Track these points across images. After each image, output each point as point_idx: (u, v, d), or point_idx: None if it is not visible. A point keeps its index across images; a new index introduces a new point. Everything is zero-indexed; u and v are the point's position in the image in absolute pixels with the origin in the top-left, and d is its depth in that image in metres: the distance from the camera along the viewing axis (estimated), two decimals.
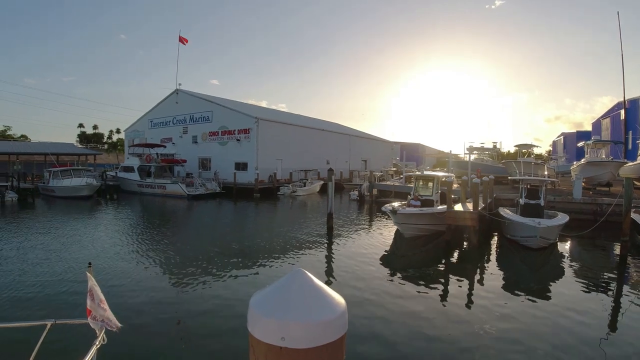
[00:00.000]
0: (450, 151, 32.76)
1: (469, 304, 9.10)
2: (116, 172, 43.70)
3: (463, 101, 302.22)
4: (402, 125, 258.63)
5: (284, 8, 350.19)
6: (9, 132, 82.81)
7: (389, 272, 11.83)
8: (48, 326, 2.86)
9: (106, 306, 2.71)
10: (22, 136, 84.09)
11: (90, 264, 2.85)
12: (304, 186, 39.52)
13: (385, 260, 13.38)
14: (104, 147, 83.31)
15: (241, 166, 42.73)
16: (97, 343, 2.43)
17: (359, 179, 45.14)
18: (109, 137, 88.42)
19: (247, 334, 1.36)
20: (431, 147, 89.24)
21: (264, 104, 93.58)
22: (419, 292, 9.87)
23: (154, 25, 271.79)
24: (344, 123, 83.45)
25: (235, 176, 39.80)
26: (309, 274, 1.40)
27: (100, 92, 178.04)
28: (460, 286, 10.43)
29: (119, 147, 77.24)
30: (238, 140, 43.79)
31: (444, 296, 9.63)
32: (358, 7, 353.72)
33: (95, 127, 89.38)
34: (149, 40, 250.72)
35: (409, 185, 27.67)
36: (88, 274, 2.70)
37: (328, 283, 10.71)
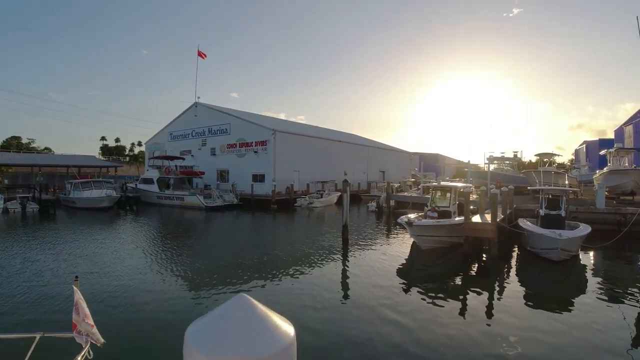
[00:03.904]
0: (469, 161, 32.24)
1: (488, 318, 8.86)
2: (136, 184, 44.47)
3: (483, 110, 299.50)
4: (421, 136, 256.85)
5: (303, 21, 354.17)
6: (32, 145, 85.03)
7: (405, 284, 11.61)
8: (37, 339, 2.89)
9: (91, 321, 2.70)
10: (46, 148, 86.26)
11: (77, 277, 2.87)
12: (321, 197, 39.51)
13: (401, 272, 13.18)
14: (126, 159, 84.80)
15: (258, 178, 42.93)
16: (80, 357, 2.43)
17: (377, 190, 44.88)
18: (131, 150, 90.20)
19: None
20: (450, 157, 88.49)
21: (282, 116, 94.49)
22: (435, 305, 9.66)
23: (174, 41, 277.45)
24: (363, 134, 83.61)
25: (253, 188, 40.05)
26: (253, 300, 1.28)
27: (122, 106, 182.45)
28: (478, 300, 10.20)
29: (140, 160, 78.50)
30: (255, 152, 44.11)
31: (461, 310, 9.41)
32: (377, 18, 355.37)
33: (117, 139, 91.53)
34: (169, 55, 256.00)
35: (426, 196, 27.36)
36: (74, 288, 2.71)
37: (343, 296, 10.61)
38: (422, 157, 68.50)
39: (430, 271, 13.71)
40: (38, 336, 2.90)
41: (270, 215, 32.13)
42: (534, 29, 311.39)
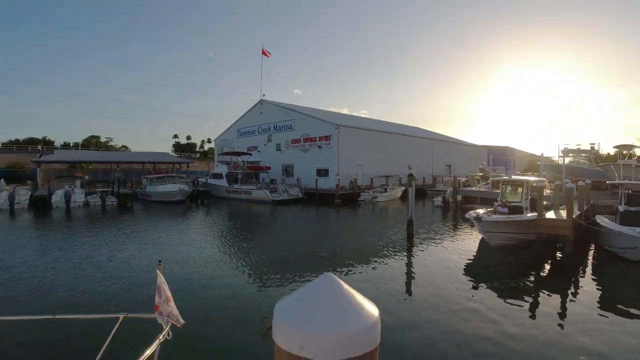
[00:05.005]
0: (542, 154, 30.68)
1: (560, 320, 8.52)
2: (206, 179, 46.68)
3: (554, 99, 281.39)
4: (488, 129, 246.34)
5: (364, 16, 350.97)
6: (111, 143, 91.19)
7: (471, 282, 11.40)
8: (121, 319, 3.13)
9: (172, 303, 2.85)
10: (123, 146, 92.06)
11: (160, 262, 3.05)
12: (385, 192, 39.27)
13: (468, 270, 12.93)
14: (196, 155, 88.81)
15: (322, 172, 43.47)
16: (161, 337, 2.57)
17: (443, 185, 43.83)
18: (201, 147, 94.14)
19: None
20: (521, 149, 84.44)
21: (345, 111, 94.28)
22: (504, 305, 9.41)
23: (239, 41, 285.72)
24: (427, 127, 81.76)
25: (317, 182, 40.66)
26: (339, 279, 1.32)
27: (193, 104, 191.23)
28: (550, 301, 9.82)
29: (209, 156, 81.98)
30: (319, 147, 44.68)
31: (531, 311, 9.13)
32: (439, 8, 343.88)
33: (188, 137, 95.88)
34: (235, 55, 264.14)
35: (495, 190, 26.42)
36: (158, 272, 2.88)
37: (406, 292, 10.65)
38: (490, 150, 65.59)
39: (499, 269, 13.31)
40: (122, 316, 3.14)
41: (335, 210, 32.49)
42: (608, 10, 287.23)
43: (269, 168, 45.30)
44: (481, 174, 44.27)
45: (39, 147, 61.00)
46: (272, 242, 18.74)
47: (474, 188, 34.04)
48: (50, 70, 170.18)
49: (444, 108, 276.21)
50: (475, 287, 10.93)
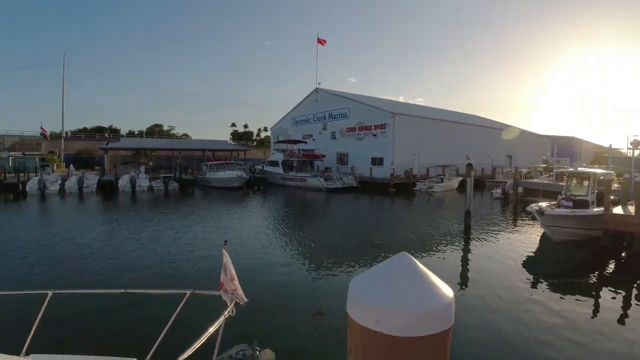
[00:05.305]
0: (611, 145, 28.96)
1: (624, 321, 8.15)
2: (263, 166, 47.90)
3: (626, 87, 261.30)
4: (551, 119, 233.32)
5: (418, 1, 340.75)
6: (172, 131, 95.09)
7: (531, 278, 11.08)
8: (187, 294, 3.33)
9: (237, 282, 2.98)
10: (184, 134, 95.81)
11: (226, 242, 3.23)
12: (442, 182, 38.55)
13: (528, 265, 12.55)
14: (253, 143, 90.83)
15: (377, 161, 43.24)
16: (226, 314, 2.70)
17: (502, 176, 42.33)
18: (257, 135, 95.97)
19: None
20: (588, 140, 79.73)
21: (401, 99, 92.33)
22: (564, 305, 9.02)
23: (294, 31, 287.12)
24: (485, 116, 78.98)
25: (372, 171, 40.52)
26: (414, 259, 1.32)
27: (250, 94, 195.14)
28: (614, 301, 9.39)
29: (265, 144, 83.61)
30: (374, 135, 44.47)
31: (594, 311, 8.72)
32: None
33: (245, 125, 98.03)
34: (291, 44, 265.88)
35: (560, 183, 25.32)
36: (223, 251, 3.03)
37: (462, 285, 10.61)
38: (554, 140, 62.11)
39: (560, 266, 12.88)
40: (189, 292, 3.33)
41: (389, 199, 32.40)
42: None
43: (323, 156, 45.70)
44: (544, 165, 42.29)
45: (106, 135, 64.83)
46: (326, 229, 19.15)
47: (536, 180, 32.70)
48: (118, 62, 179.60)
49: (502, 95, 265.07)
50: (534, 284, 10.61)
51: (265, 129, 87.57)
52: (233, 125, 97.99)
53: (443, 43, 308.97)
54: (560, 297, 9.50)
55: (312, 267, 11.94)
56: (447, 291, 1.24)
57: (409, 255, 1.33)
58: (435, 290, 1.23)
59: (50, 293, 3.35)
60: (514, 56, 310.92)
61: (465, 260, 13.11)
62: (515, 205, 27.33)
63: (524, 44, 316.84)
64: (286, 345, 6.32)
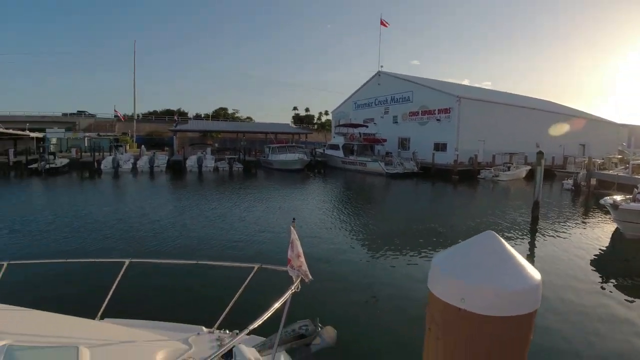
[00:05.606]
0: None
1: None
2: (324, 150, 48.18)
3: None
4: (628, 106, 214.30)
5: None
6: (237, 114, 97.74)
7: (600, 276, 10.26)
8: (255, 268, 3.43)
9: (303, 259, 2.95)
10: (248, 117, 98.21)
11: (294, 219, 3.22)
12: (508, 170, 36.75)
13: (598, 262, 11.66)
14: (314, 127, 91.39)
15: (440, 147, 41.97)
16: (292, 289, 2.70)
17: (574, 167, 39.74)
18: (318, 118, 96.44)
19: (428, 291, 1.32)
20: None
21: (466, 83, 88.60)
22: (636, 307, 8.31)
23: (356, 13, 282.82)
24: (557, 101, 74.23)
25: (434, 157, 39.48)
26: (501, 238, 1.27)
27: (312, 78, 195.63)
28: None
29: (326, 127, 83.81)
30: (438, 120, 43.17)
31: None
32: None
33: (307, 109, 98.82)
34: (353, 26, 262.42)
35: (637, 176, 23.45)
36: (292, 228, 3.01)
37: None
38: (632, 130, 57.08)
39: (633, 265, 11.85)
40: (256, 267, 3.44)
41: (452, 186, 31.52)
42: None
43: (384, 140, 45.10)
44: (620, 156, 39.14)
45: (175, 117, 67.77)
46: (386, 215, 18.98)
47: (611, 172, 30.40)
48: (183, 45, 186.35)
49: (575, 80, 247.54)
50: (604, 283, 9.83)
51: (327, 113, 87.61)
52: (295, 108, 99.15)
53: (509, 23, 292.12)
54: (633, 300, 8.63)
55: (372, 252, 11.90)
56: (535, 273, 1.22)
57: (495, 233, 1.30)
58: (523, 272, 1.20)
59: (127, 261, 3.53)
60: (590, 38, 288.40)
61: (531, 253, 12.44)
62: (587, 197, 25.55)
63: (601, 26, 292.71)
64: (346, 324, 6.34)
